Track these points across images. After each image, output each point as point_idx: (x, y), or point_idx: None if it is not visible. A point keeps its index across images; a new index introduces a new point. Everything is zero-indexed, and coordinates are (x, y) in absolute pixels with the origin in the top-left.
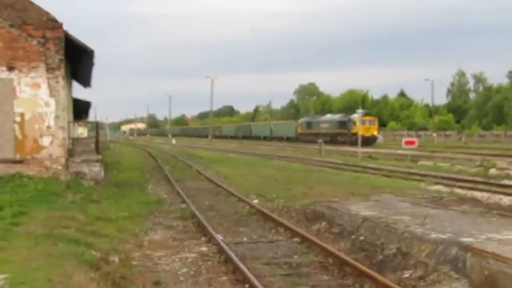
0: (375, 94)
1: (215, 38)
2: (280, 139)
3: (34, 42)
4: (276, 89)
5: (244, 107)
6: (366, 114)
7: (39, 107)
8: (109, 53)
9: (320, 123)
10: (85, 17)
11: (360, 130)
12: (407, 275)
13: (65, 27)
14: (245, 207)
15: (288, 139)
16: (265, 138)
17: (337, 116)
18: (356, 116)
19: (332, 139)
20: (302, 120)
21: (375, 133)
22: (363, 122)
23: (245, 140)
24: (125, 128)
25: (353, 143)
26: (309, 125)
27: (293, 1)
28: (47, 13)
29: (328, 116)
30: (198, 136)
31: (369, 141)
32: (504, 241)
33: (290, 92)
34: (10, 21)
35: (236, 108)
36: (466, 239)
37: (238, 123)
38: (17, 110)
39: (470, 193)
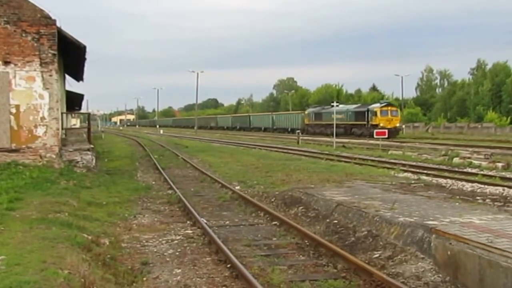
0: (349, 88)
1: (201, 36)
2: (283, 130)
3: (29, 37)
4: (256, 83)
5: (227, 100)
6: (387, 104)
7: (33, 99)
8: (101, 48)
9: (331, 114)
10: (77, 13)
11: (382, 121)
12: (376, 255)
13: (58, 24)
14: (227, 193)
15: (292, 131)
16: (265, 130)
17: (353, 106)
18: (377, 106)
19: (346, 132)
20: (310, 110)
21: (397, 124)
22: (384, 113)
23: (242, 132)
24: (115, 119)
25: (372, 136)
26: (318, 115)
27: (275, 1)
28: (41, 10)
29: (342, 106)
30: (192, 127)
31: (391, 133)
32: (465, 224)
33: (270, 86)
34: (6, 17)
35: (220, 101)
36: (431, 222)
37: (235, 114)
38: (13, 102)
39: (435, 180)
